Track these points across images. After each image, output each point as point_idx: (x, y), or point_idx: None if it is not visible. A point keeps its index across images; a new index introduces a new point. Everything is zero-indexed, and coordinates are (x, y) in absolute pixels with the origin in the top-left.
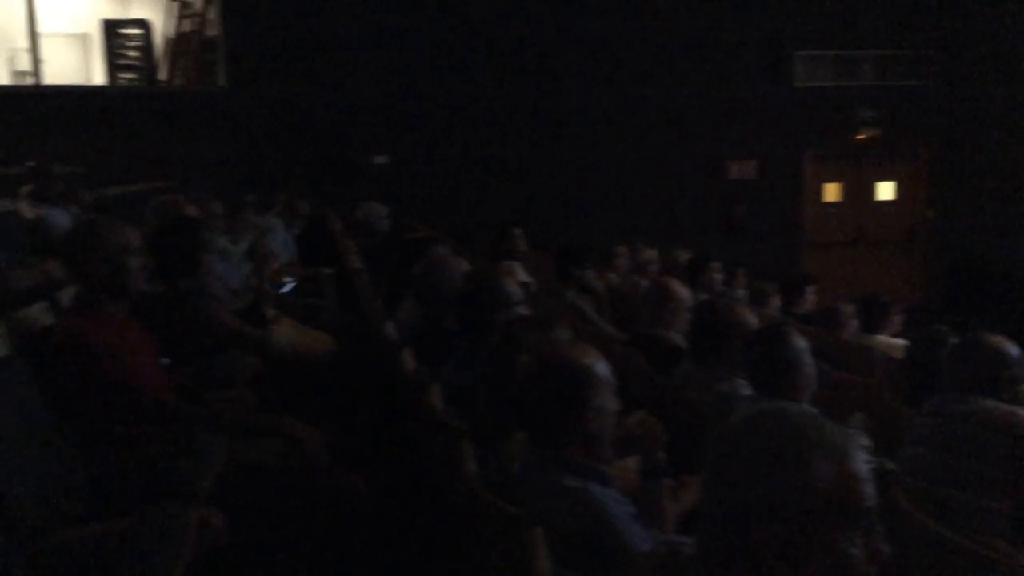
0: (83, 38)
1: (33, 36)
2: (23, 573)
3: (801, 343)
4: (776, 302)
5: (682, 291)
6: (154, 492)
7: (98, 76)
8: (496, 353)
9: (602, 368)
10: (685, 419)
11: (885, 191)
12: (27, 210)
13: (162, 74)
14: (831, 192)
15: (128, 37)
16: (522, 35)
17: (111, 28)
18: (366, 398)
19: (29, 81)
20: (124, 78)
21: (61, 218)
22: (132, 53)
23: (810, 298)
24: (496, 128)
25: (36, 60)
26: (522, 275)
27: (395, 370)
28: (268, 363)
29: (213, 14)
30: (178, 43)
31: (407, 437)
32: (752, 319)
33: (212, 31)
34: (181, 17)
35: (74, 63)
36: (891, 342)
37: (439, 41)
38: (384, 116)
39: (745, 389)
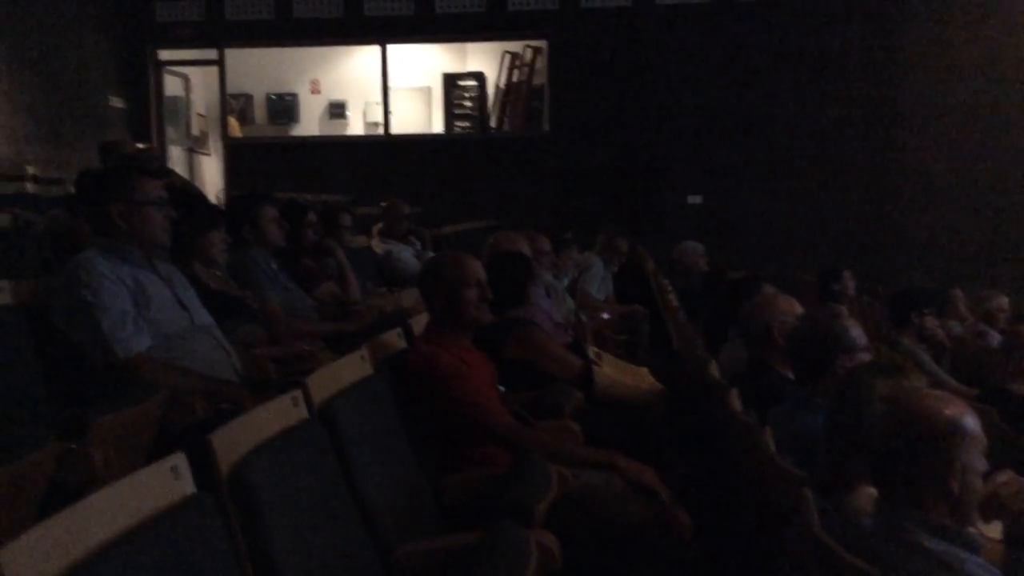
0: (426, 91)
1: (385, 91)
2: None
3: None
4: None
5: None
6: (493, 512)
7: (437, 125)
8: (840, 399)
9: (971, 421)
10: None
11: None
12: (378, 245)
13: (492, 121)
14: None
15: (465, 89)
16: (850, 64)
17: (450, 81)
18: (690, 438)
19: (379, 131)
20: (460, 126)
21: (405, 253)
22: (467, 103)
23: None
24: (817, 163)
25: (386, 112)
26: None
27: (722, 412)
28: (591, 398)
29: (540, 64)
30: (508, 92)
31: (736, 480)
32: None
33: (539, 80)
34: (512, 68)
35: (417, 113)
36: None
37: (756, 77)
38: (699, 155)
39: None
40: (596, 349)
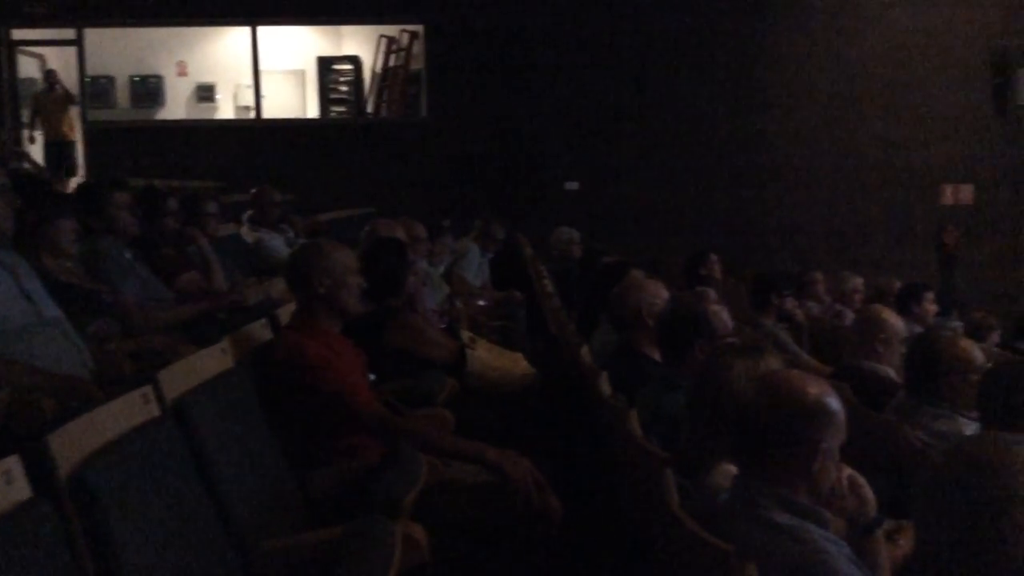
0: (299, 74)
1: (256, 74)
2: None
3: None
4: (996, 337)
5: (895, 321)
6: (360, 505)
7: (312, 109)
8: (701, 379)
9: (835, 403)
10: (900, 457)
11: None
12: (247, 234)
13: (369, 107)
14: None
15: (340, 73)
16: (717, 57)
17: (325, 65)
18: (561, 422)
19: (250, 115)
20: (335, 111)
21: (276, 242)
22: (343, 88)
23: None
24: (687, 151)
25: (258, 95)
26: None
27: (591, 395)
28: (465, 384)
29: (417, 49)
30: (384, 77)
31: (605, 463)
32: (978, 354)
33: (416, 65)
34: (388, 52)
35: (290, 97)
36: None
37: (631, 67)
38: (576, 143)
39: (969, 428)
40: (470, 334)
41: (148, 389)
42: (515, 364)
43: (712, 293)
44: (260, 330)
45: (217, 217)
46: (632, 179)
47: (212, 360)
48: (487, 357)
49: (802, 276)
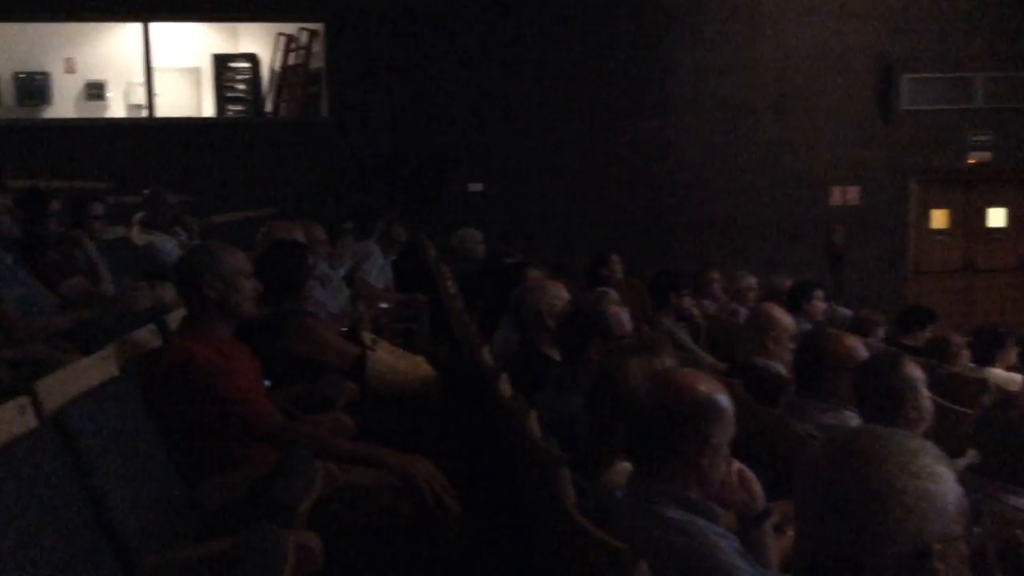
0: (195, 72)
1: (148, 71)
2: None
3: (916, 373)
4: (882, 332)
5: (785, 318)
6: (254, 514)
7: (208, 108)
8: (597, 379)
9: (725, 400)
10: (790, 451)
11: (996, 218)
12: (138, 237)
13: (268, 106)
14: (938, 219)
15: (237, 71)
16: (618, 64)
17: (221, 62)
18: (463, 424)
19: (143, 114)
20: (232, 110)
21: (169, 244)
22: (240, 86)
23: (926, 336)
24: (590, 155)
25: (150, 94)
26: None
27: (492, 396)
28: (366, 388)
29: (318, 47)
30: (284, 76)
31: (505, 464)
32: (862, 349)
33: (316, 64)
34: (287, 51)
35: (185, 96)
36: (1008, 376)
37: (536, 71)
38: (480, 144)
39: (854, 421)
40: (373, 336)
41: (24, 400)
42: (417, 367)
43: (613, 293)
44: (148, 336)
45: (104, 219)
46: (536, 181)
47: (95, 368)
48: (389, 359)
49: (700, 275)
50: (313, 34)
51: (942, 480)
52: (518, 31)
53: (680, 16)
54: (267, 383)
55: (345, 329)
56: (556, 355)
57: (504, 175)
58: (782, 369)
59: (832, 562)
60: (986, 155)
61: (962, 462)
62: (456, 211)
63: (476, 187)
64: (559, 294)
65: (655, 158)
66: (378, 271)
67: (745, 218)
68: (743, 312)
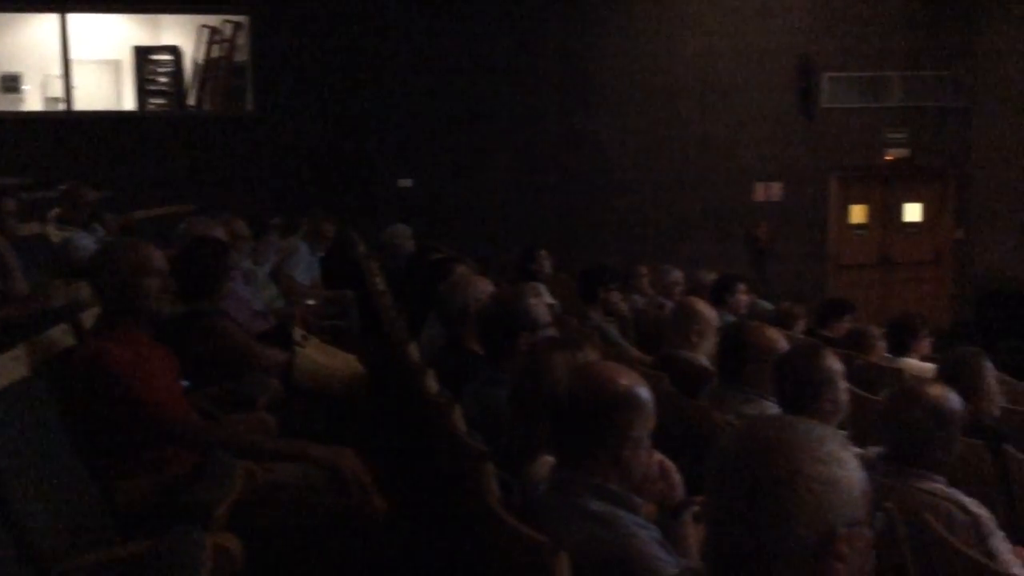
0: (114, 64)
1: (66, 63)
2: None
3: (835, 364)
4: (802, 325)
5: (709, 312)
6: (171, 516)
7: (128, 102)
8: (521, 374)
9: (645, 393)
10: (712, 442)
11: (912, 212)
12: (54, 233)
13: (191, 99)
14: (857, 214)
15: (159, 63)
16: (547, 60)
17: (142, 55)
18: (390, 420)
19: (61, 107)
20: (154, 103)
21: (86, 241)
22: (162, 79)
23: (845, 327)
24: (519, 150)
25: (68, 86)
26: (547, 297)
27: (418, 392)
28: (290, 386)
29: (242, 40)
30: (207, 69)
31: (430, 460)
32: (782, 341)
33: (241, 57)
34: (210, 43)
35: (105, 89)
36: (921, 365)
37: (464, 65)
38: (409, 140)
39: (773, 410)
40: (303, 332)
41: None
42: (347, 364)
43: (538, 287)
44: (61, 336)
45: (16, 215)
46: (465, 176)
47: (5, 368)
48: (318, 357)
49: (627, 270)
50: (237, 26)
51: (847, 466)
52: (446, 25)
53: (607, 11)
54: (186, 383)
55: (272, 326)
56: (481, 350)
57: (433, 170)
58: (706, 361)
59: (739, 547)
60: (903, 152)
61: (876, 449)
62: (385, 207)
63: (405, 183)
64: (486, 290)
65: (583, 153)
66: (305, 267)
67: (672, 213)
68: (670, 306)
